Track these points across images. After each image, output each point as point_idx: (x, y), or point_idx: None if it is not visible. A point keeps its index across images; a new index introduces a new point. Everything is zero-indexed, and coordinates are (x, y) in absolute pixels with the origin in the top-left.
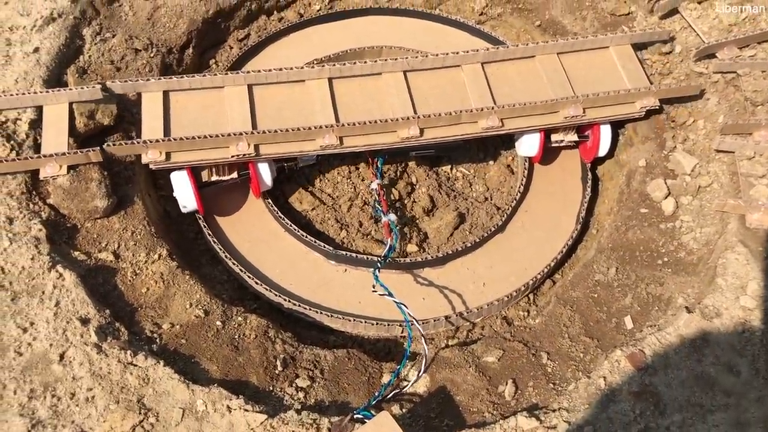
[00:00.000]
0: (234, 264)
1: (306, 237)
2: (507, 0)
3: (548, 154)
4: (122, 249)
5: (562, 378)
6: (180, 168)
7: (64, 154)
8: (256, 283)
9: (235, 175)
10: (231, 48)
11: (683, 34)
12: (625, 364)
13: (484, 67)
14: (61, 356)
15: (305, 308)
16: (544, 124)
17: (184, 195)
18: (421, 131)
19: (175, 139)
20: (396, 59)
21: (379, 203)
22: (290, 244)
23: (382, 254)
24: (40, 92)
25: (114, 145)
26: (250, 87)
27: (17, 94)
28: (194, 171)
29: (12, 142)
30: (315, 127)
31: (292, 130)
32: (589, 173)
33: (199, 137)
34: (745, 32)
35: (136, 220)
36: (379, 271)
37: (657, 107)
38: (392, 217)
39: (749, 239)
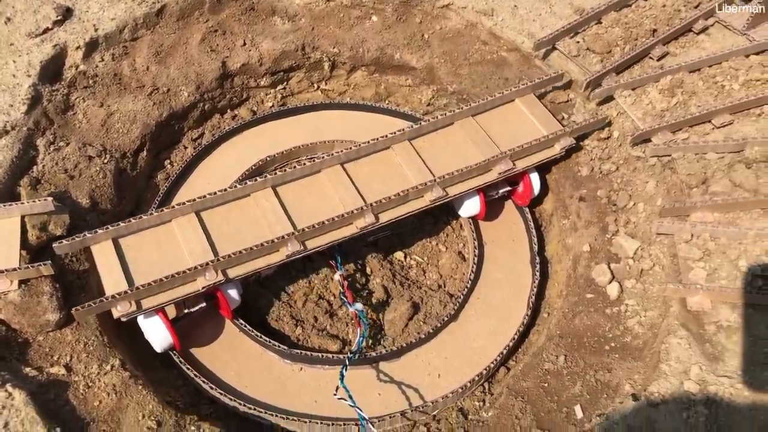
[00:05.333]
0: (188, 369)
1: (260, 337)
2: (452, 91)
3: (497, 234)
4: (74, 361)
5: None
6: (148, 312)
7: (15, 269)
8: (211, 387)
9: (203, 303)
10: (185, 148)
11: (620, 120)
12: None
13: (412, 144)
14: None
15: (260, 411)
16: (482, 183)
17: (161, 338)
18: (376, 216)
19: (142, 287)
20: (331, 154)
21: (344, 294)
22: (245, 344)
23: (353, 348)
24: None
25: (82, 309)
26: (198, 213)
27: None
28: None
29: None
30: (277, 239)
31: (256, 247)
32: (538, 257)
33: (166, 278)
34: (676, 117)
35: (89, 330)
36: (346, 369)
37: (573, 145)
38: (359, 306)
39: (690, 322)
